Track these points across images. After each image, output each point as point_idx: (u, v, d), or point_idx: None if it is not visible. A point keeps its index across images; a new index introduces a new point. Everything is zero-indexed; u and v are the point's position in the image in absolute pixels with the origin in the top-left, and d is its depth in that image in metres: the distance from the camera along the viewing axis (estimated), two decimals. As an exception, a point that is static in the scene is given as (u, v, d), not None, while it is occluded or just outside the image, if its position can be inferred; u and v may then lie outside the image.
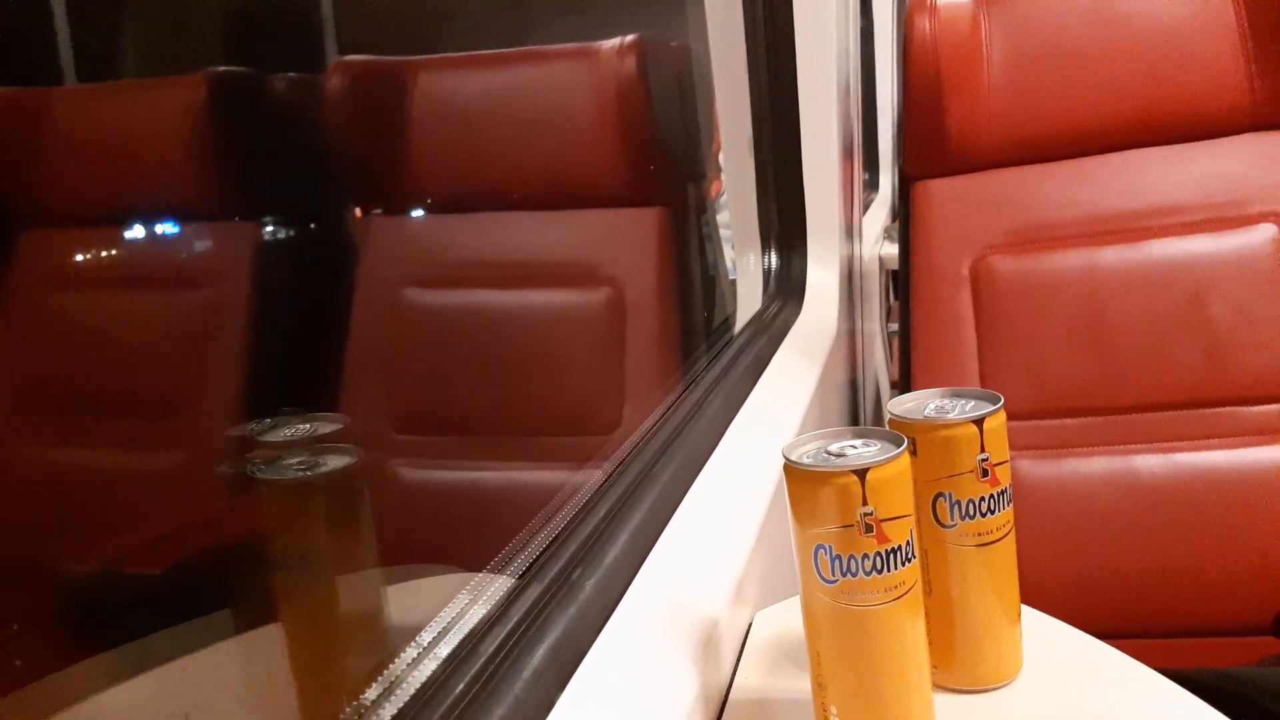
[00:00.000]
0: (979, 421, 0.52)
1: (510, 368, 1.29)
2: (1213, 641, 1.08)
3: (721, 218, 1.55)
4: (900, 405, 0.55)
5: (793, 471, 0.48)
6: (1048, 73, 1.30)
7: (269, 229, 1.06)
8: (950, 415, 0.53)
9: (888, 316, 2.16)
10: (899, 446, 0.48)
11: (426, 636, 0.50)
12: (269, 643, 0.54)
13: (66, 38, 0.69)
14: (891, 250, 1.95)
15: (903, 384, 1.37)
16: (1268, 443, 1.11)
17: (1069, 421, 1.18)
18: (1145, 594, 1.10)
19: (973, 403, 0.55)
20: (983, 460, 0.52)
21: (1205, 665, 1.02)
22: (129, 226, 0.86)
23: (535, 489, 1.22)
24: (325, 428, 0.60)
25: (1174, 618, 1.09)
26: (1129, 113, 1.28)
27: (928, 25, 1.33)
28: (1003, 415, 0.53)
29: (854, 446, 0.49)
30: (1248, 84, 1.24)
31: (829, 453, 0.49)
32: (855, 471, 0.46)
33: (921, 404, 0.56)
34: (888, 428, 0.52)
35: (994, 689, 0.55)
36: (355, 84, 1.35)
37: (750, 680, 0.58)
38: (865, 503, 0.46)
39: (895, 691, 0.49)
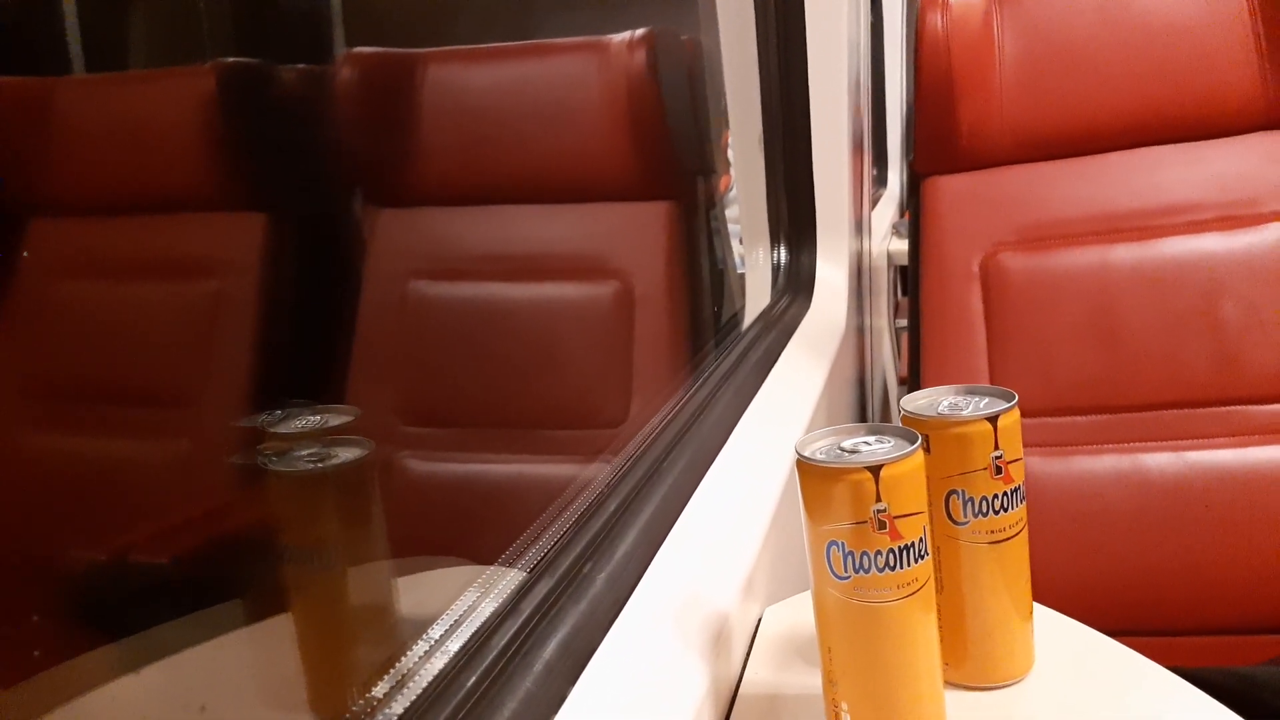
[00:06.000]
0: (993, 419, 0.52)
1: (518, 360, 1.29)
2: (1223, 639, 1.07)
3: (730, 212, 1.55)
4: (914, 402, 0.55)
5: (806, 467, 0.48)
6: (1060, 69, 1.30)
7: (278, 220, 1.06)
8: (964, 412, 0.53)
9: (895, 312, 2.16)
10: (913, 443, 0.48)
11: (438, 630, 0.50)
12: (281, 635, 0.54)
13: (74, 28, 0.69)
14: (899, 246, 1.94)
15: (911, 380, 1.36)
16: (1278, 442, 1.11)
17: (1079, 419, 1.17)
18: (1155, 592, 1.10)
19: (986, 400, 0.55)
20: (996, 458, 0.52)
21: (1215, 663, 1.02)
22: (138, 217, 0.86)
23: (544, 482, 1.22)
24: (336, 419, 0.60)
25: (1184, 616, 1.09)
26: (1141, 110, 1.28)
27: (940, 21, 1.33)
28: (1016, 413, 0.53)
29: (867, 443, 0.49)
30: (1261, 82, 1.24)
31: (842, 449, 0.49)
32: (869, 468, 0.46)
33: (935, 401, 0.55)
34: (900, 424, 0.52)
35: (1005, 686, 0.55)
36: (365, 76, 1.35)
37: (760, 675, 0.58)
38: (879, 499, 0.46)
39: (906, 688, 0.49)
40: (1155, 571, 1.10)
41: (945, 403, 0.55)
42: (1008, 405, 0.53)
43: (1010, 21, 1.32)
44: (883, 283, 1.88)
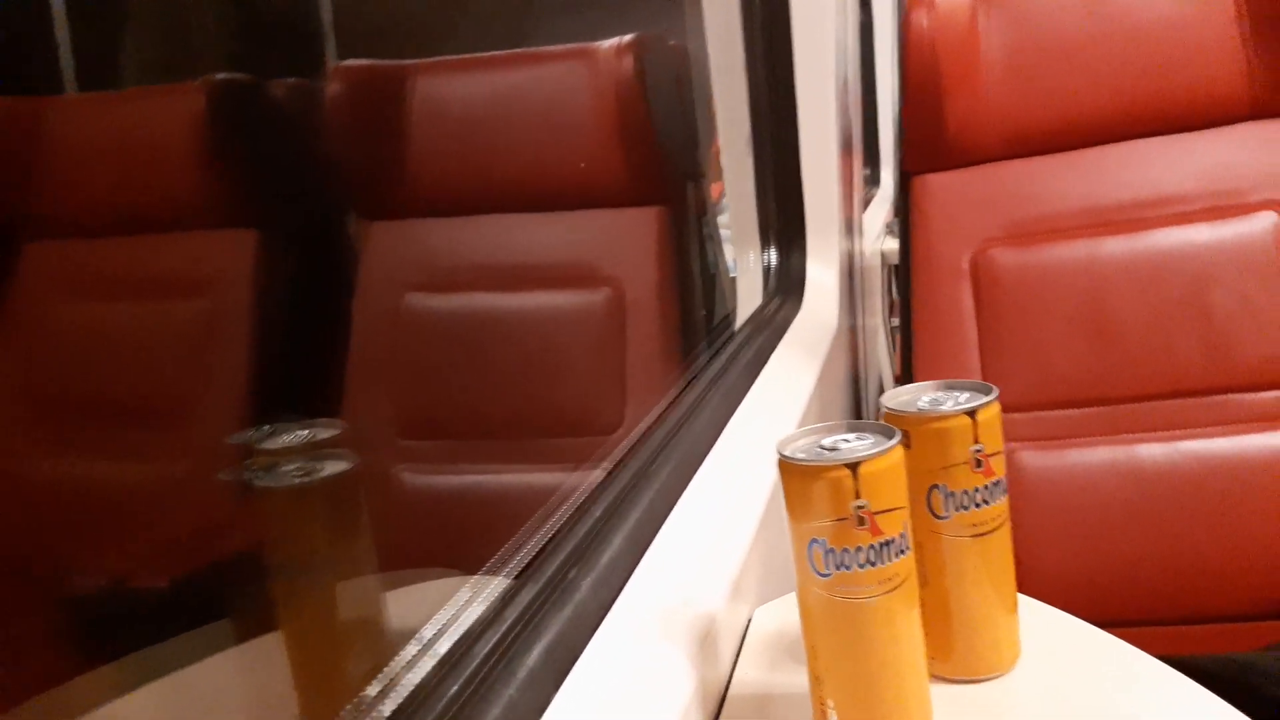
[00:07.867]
0: (972, 413, 0.52)
1: (512, 369, 1.29)
2: (1216, 627, 1.07)
3: (722, 217, 1.55)
4: (895, 398, 0.55)
5: (786, 466, 0.48)
6: (1046, 65, 1.30)
7: (270, 236, 1.07)
8: (943, 407, 0.53)
9: (890, 312, 2.16)
10: (891, 439, 0.48)
11: (421, 640, 0.50)
12: (267, 650, 0.54)
13: (67, 46, 0.69)
14: (893, 245, 1.94)
15: (904, 378, 1.36)
16: (1269, 429, 1.11)
17: (1071, 412, 1.17)
18: (1149, 582, 1.10)
19: (966, 394, 0.55)
20: (976, 451, 0.52)
21: (1209, 651, 1.02)
22: (129, 235, 0.86)
23: (537, 490, 1.22)
24: (323, 433, 0.60)
25: (1178, 605, 1.09)
26: (1127, 103, 1.28)
27: (925, 20, 1.33)
28: (997, 406, 0.53)
29: (847, 440, 0.49)
30: (1246, 72, 1.24)
31: (822, 447, 0.49)
32: (847, 465, 0.46)
33: (916, 396, 0.56)
34: (882, 421, 0.52)
35: (992, 679, 0.55)
36: (355, 89, 1.36)
37: (749, 675, 0.58)
38: (858, 496, 0.46)
39: (892, 683, 0.49)
40: (1149, 561, 1.10)
41: (925, 398, 0.55)
42: (987, 399, 0.53)
43: (995, 19, 1.33)
44: (876, 282, 1.89)
